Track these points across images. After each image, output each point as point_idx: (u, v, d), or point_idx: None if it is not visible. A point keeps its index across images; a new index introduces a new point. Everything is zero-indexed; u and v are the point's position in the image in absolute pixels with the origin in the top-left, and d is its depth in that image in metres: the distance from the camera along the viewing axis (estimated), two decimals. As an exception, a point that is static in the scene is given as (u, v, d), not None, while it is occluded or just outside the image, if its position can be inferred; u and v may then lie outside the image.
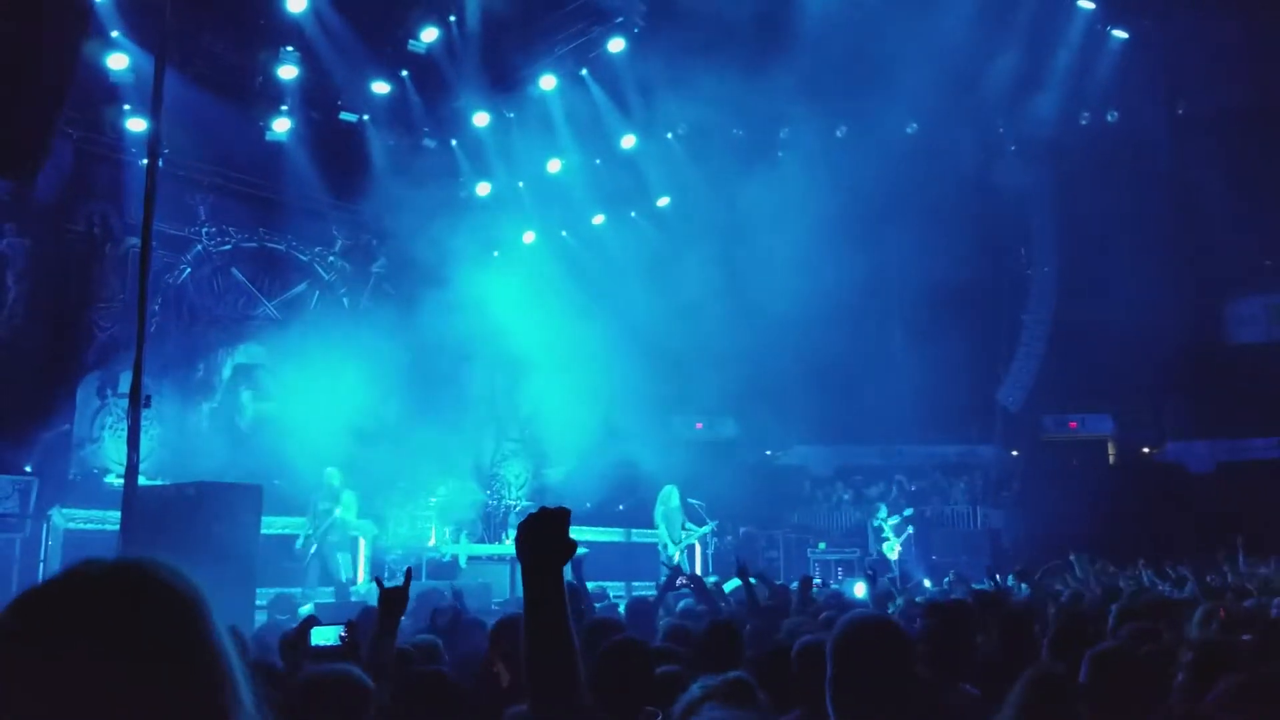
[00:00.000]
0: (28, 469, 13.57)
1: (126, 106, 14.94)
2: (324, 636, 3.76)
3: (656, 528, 15.79)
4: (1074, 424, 24.64)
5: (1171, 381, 21.81)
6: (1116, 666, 3.06)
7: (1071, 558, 12.19)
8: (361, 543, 14.57)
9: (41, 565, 12.08)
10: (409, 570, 4.22)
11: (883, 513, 18.53)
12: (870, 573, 8.62)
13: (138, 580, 1.19)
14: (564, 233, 20.14)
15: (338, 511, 13.48)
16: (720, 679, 2.78)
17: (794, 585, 8.66)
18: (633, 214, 19.73)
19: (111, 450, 14.80)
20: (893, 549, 17.82)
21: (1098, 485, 21.27)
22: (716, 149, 18.25)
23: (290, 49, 15.42)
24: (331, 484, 13.57)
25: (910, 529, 18.15)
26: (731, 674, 2.83)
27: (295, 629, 4.20)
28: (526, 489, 17.45)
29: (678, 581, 7.86)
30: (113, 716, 1.11)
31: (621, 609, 7.83)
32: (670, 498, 15.85)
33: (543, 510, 2.13)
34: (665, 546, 15.54)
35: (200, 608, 1.21)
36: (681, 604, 7.70)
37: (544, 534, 2.09)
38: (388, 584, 3.88)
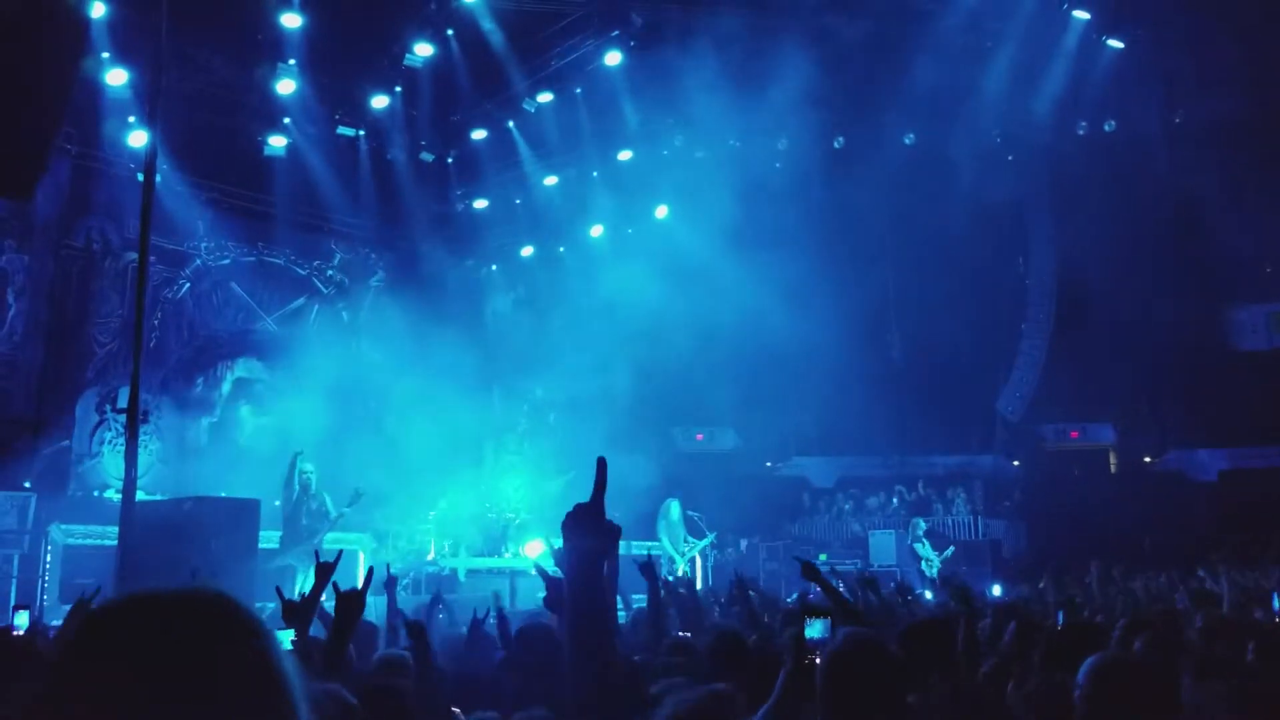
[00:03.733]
0: (27, 485, 13.56)
1: (131, 119, 15.01)
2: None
3: (659, 541, 15.76)
4: (1075, 433, 24.59)
5: (1172, 390, 21.79)
6: (1116, 675, 3.04)
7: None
8: (361, 556, 14.51)
9: (41, 581, 12.06)
10: (369, 570, 4.18)
11: (920, 529, 18.33)
12: (870, 575, 8.58)
13: (214, 606, 1.19)
14: (561, 249, 20.17)
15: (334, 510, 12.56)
16: (707, 690, 2.75)
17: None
18: (630, 230, 19.74)
19: (110, 466, 14.79)
20: (933, 568, 17.68)
21: (1099, 494, 21.22)
22: (714, 160, 18.27)
23: (287, 64, 15.46)
24: (307, 473, 12.47)
25: (950, 550, 18.08)
26: (717, 686, 2.81)
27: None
28: (525, 502, 17.40)
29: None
30: None
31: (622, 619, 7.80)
32: (670, 511, 15.84)
33: (577, 506, 2.27)
34: (671, 560, 15.52)
35: (271, 638, 1.21)
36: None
37: (586, 524, 2.23)
38: (345, 588, 3.86)
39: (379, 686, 3.65)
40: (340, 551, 4.79)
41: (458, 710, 3.40)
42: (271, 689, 1.18)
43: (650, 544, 16.13)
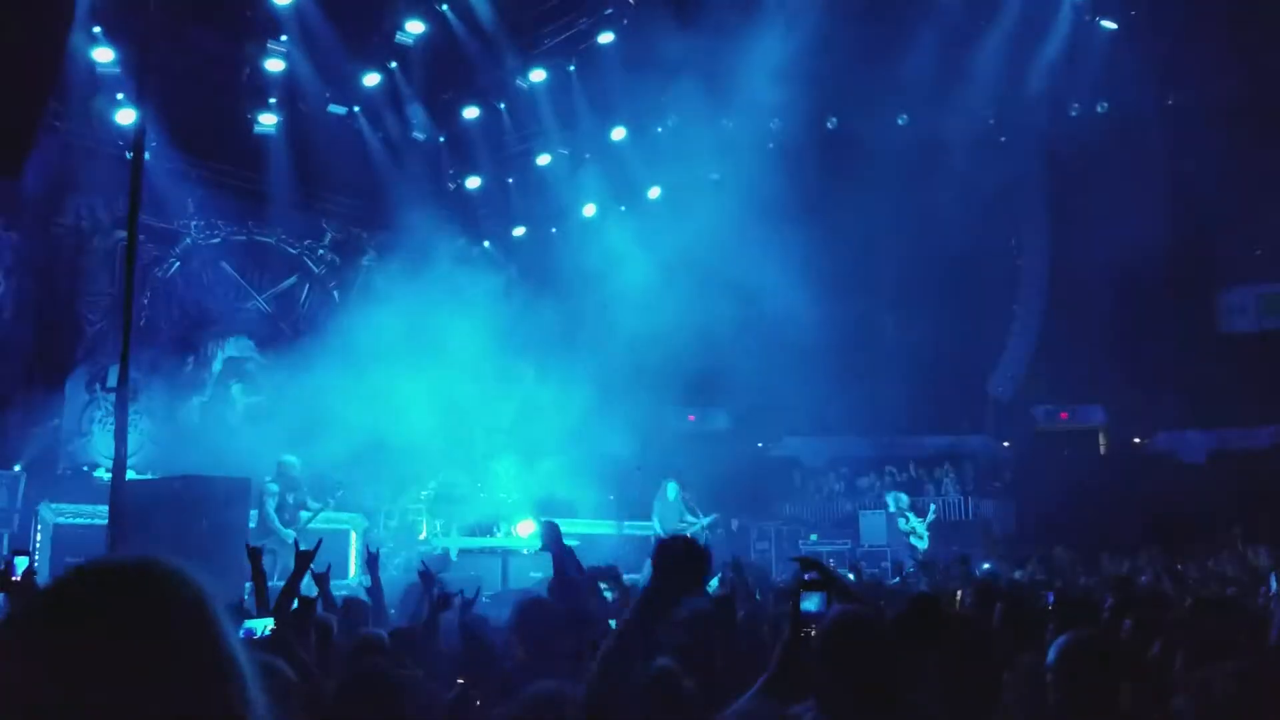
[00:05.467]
0: (17, 468, 13.53)
1: (119, 96, 14.90)
2: (256, 628, 3.77)
3: (651, 521, 15.82)
4: (1065, 414, 24.68)
5: (1163, 372, 21.84)
6: (1086, 654, 3.06)
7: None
8: (353, 536, 14.54)
9: (31, 560, 12.02)
10: (319, 541, 4.58)
11: (904, 502, 18.40)
12: (855, 565, 8.65)
13: (146, 577, 1.20)
14: (553, 229, 20.12)
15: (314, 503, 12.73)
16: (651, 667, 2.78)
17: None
18: (623, 208, 19.69)
19: (101, 445, 14.76)
20: (924, 540, 17.78)
21: (1089, 475, 21.32)
22: (706, 140, 18.22)
23: (278, 41, 15.36)
24: (292, 473, 12.57)
25: (933, 510, 18.22)
26: (659, 661, 2.85)
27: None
28: (518, 481, 17.43)
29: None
30: (123, 713, 1.11)
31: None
32: (668, 492, 15.90)
33: (689, 542, 2.27)
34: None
35: (209, 605, 1.22)
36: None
37: (689, 566, 2.23)
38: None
39: (365, 669, 3.68)
40: (320, 540, 4.93)
41: (462, 680, 3.44)
42: (217, 661, 1.18)
43: (641, 523, 16.20)
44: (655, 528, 15.70)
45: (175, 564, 1.23)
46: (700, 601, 5.43)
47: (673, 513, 15.84)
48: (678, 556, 2.21)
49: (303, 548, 11.71)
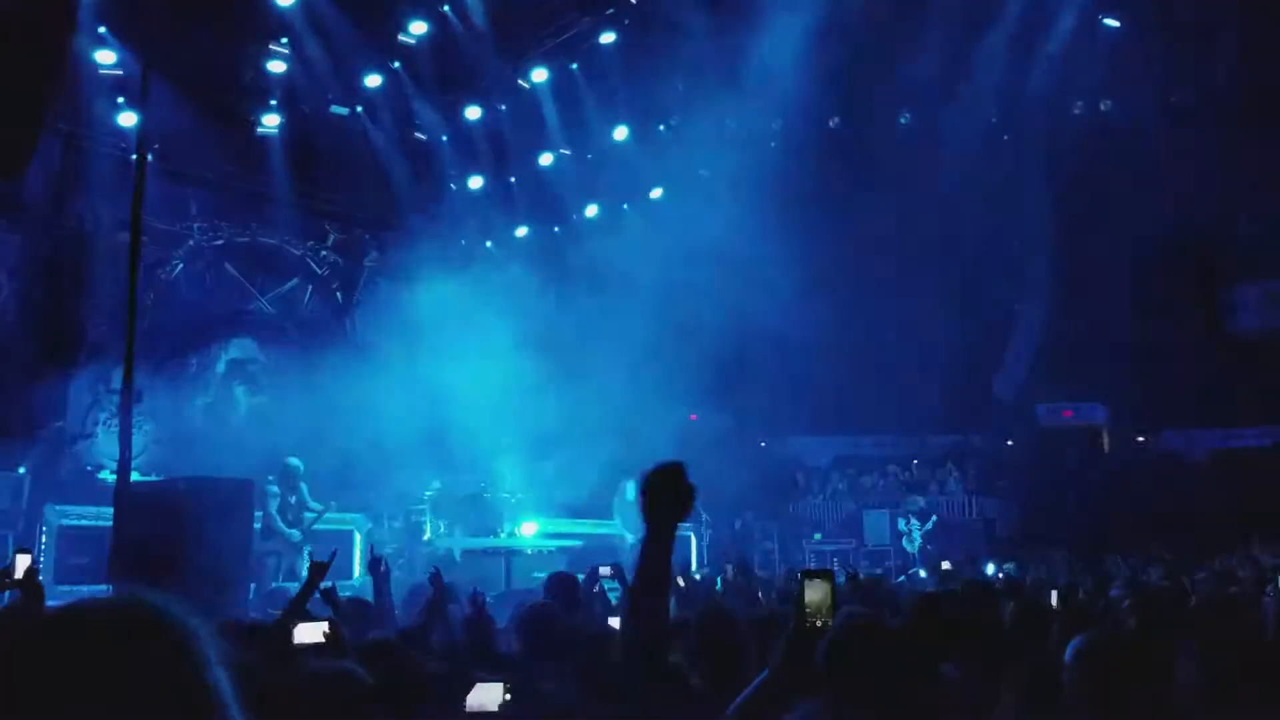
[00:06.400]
0: (21, 470, 13.53)
1: (120, 99, 14.90)
2: (309, 633, 3.81)
3: (612, 521, 15.92)
4: (1068, 413, 24.64)
5: (1166, 370, 21.83)
6: (1103, 654, 3.06)
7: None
8: (357, 537, 14.55)
9: (39, 564, 12.04)
10: (334, 553, 4.74)
11: (916, 505, 18.43)
12: (852, 571, 8.68)
13: (129, 621, 1.17)
14: (556, 228, 20.13)
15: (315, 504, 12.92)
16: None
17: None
18: (625, 207, 19.70)
19: (105, 446, 14.76)
20: (914, 544, 17.83)
21: (1092, 474, 21.31)
22: (709, 139, 18.22)
23: (280, 43, 15.37)
24: (295, 474, 12.71)
25: (934, 518, 18.26)
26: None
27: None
28: (521, 481, 17.43)
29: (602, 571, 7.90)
30: None
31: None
32: (627, 491, 15.98)
33: (665, 466, 2.32)
34: (624, 538, 15.66)
35: (193, 647, 1.19)
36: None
37: (669, 487, 2.29)
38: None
39: (395, 664, 3.72)
40: (335, 551, 5.05)
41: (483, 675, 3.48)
42: (192, 704, 1.15)
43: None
44: (618, 527, 15.77)
45: (158, 604, 1.20)
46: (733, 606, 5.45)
47: (632, 511, 15.90)
48: (660, 484, 2.27)
49: (308, 548, 11.86)
